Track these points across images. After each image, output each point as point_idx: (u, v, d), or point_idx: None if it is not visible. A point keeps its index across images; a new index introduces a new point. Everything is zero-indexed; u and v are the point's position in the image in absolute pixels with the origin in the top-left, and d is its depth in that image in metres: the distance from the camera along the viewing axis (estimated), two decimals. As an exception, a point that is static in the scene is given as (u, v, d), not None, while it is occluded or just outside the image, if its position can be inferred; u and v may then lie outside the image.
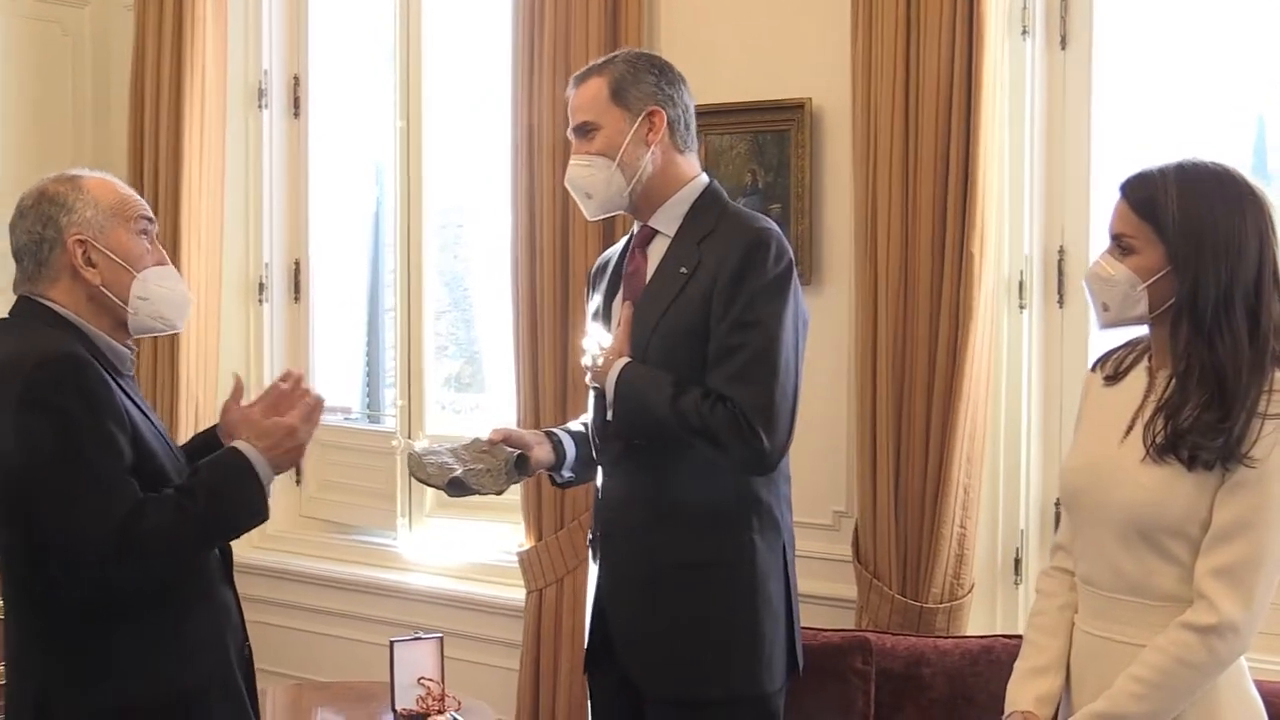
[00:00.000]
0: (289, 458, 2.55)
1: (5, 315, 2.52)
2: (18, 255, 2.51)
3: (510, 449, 2.96)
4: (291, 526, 5.09)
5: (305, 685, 4.36)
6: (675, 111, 2.92)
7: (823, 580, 3.83)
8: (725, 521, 2.83)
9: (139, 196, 2.59)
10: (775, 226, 2.88)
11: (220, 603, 2.56)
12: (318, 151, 5.09)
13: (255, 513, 2.51)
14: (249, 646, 2.64)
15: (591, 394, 2.99)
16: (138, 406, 2.47)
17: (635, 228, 3.00)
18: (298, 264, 5.11)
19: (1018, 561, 3.70)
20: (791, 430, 2.83)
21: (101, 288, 2.48)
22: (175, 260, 4.66)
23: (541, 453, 3.00)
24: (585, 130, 2.90)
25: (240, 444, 2.53)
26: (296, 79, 5.07)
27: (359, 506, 4.95)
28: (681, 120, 2.93)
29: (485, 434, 3.02)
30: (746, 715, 2.86)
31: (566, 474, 3.07)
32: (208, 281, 4.88)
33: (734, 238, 2.81)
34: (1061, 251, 3.63)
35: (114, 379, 2.43)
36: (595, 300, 3.05)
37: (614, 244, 3.19)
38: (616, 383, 2.83)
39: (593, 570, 3.01)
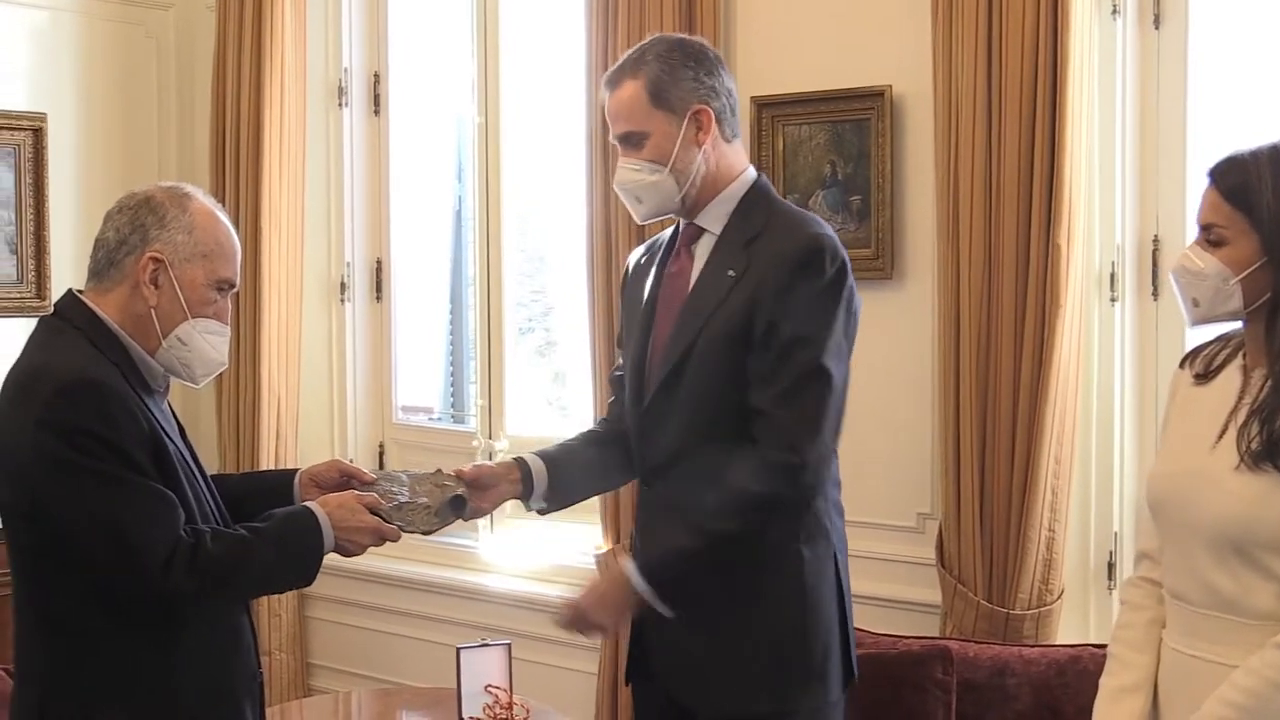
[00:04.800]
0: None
1: (49, 314, 2.48)
2: (96, 246, 2.47)
3: (454, 487, 2.78)
4: (375, 527, 5.05)
5: (373, 691, 4.31)
6: (720, 103, 2.73)
7: (907, 585, 3.72)
8: (769, 532, 2.65)
9: (238, 252, 2.51)
10: (828, 230, 2.70)
11: (230, 626, 2.49)
12: (398, 149, 5.06)
13: (304, 577, 2.51)
14: (261, 674, 2.58)
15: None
16: (164, 429, 2.40)
17: (681, 224, 2.84)
18: (379, 263, 5.07)
19: (1110, 566, 3.53)
20: (834, 443, 2.67)
21: (153, 311, 2.42)
22: (257, 260, 4.77)
23: (491, 497, 2.85)
24: (632, 140, 2.73)
25: (316, 508, 2.50)
26: (377, 76, 5.04)
27: (441, 507, 4.90)
28: (727, 109, 2.75)
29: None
30: None
31: (538, 504, 2.91)
32: (289, 281, 4.89)
33: (785, 244, 2.64)
34: (1156, 241, 3.47)
35: (142, 397, 2.38)
36: (632, 302, 2.91)
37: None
38: (641, 572, 2.63)
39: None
